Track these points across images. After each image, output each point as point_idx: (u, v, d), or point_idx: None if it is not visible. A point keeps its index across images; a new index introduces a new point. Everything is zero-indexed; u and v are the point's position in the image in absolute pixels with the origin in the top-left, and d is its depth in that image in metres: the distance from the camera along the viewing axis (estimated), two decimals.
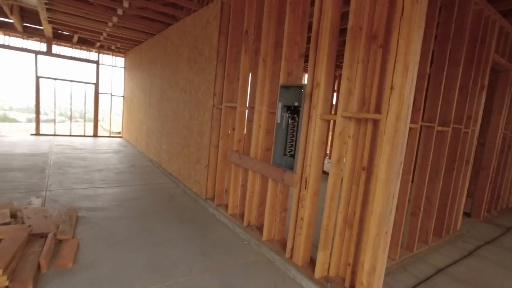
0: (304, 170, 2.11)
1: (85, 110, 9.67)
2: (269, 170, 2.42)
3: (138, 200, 3.39)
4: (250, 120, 2.93)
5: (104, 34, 5.84)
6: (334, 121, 1.92)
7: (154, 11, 4.36)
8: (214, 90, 3.37)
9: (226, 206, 3.20)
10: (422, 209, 2.56)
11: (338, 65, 6.23)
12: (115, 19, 4.53)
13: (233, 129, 3.22)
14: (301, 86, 2.18)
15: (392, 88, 1.57)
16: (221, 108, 3.30)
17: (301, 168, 2.17)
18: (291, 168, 2.26)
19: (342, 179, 1.96)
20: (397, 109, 1.57)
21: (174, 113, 4.49)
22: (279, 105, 2.37)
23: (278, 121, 2.39)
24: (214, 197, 3.38)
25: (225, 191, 3.30)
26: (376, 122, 1.76)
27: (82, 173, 4.30)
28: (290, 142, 2.31)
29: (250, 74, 2.92)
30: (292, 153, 2.29)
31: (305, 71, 6.40)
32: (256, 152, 2.69)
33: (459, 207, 3.10)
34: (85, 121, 9.41)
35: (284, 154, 2.36)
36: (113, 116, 10.06)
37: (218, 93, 3.36)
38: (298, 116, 2.23)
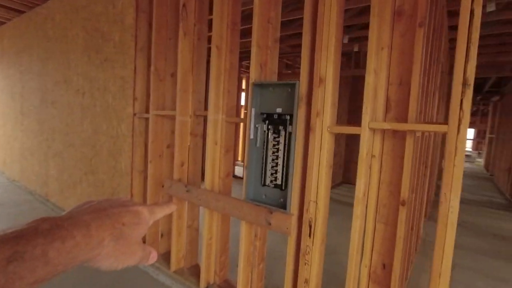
0: (306, 208, 1.42)
1: None
2: (241, 210, 1.62)
3: None
4: (194, 134, 2.06)
5: None
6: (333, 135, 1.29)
7: None
8: (134, 92, 2.33)
9: (167, 258, 2.22)
10: None
11: None
12: None
13: (168, 146, 2.26)
14: (291, 84, 1.47)
15: (467, 84, 1.02)
16: (147, 118, 2.30)
17: (298, 205, 1.46)
18: (281, 205, 1.53)
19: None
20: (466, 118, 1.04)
21: (67, 124, 3.13)
22: (252, 112, 1.61)
23: (252, 137, 1.62)
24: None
25: (161, 235, 2.31)
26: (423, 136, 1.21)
27: None
28: (273, 166, 1.58)
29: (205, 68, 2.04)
30: (279, 182, 1.56)
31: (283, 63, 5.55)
32: (212, 181, 1.84)
33: None
34: None
35: (264, 185, 1.61)
36: None
37: (141, 96, 2.34)
38: (285, 129, 1.51)
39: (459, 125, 1.04)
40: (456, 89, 1.04)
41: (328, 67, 1.32)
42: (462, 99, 1.03)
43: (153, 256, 0.39)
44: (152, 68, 2.16)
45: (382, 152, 1.33)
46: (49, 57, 3.43)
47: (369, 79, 1.23)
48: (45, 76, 3.50)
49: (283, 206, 1.51)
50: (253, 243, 1.71)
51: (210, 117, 1.81)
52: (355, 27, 3.66)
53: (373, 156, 1.32)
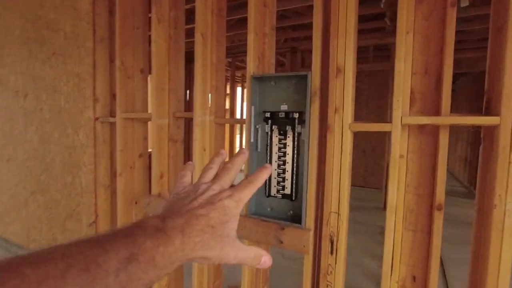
0: (326, 221, 1.20)
1: None
2: (243, 228, 1.36)
3: None
4: (174, 140, 1.74)
5: None
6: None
7: None
8: (95, 91, 1.93)
9: None
10: None
11: None
12: None
13: (140, 155, 1.91)
14: (300, 76, 1.25)
15: None
16: (112, 123, 1.92)
17: (315, 218, 1.25)
18: (291, 219, 1.30)
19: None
20: None
21: (3, 134, 2.56)
22: (252, 111, 1.36)
23: (251, 140, 1.37)
24: None
25: None
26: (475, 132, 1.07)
27: None
28: (280, 173, 1.34)
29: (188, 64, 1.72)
30: (287, 191, 1.33)
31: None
32: None
33: None
34: None
35: (269, 195, 1.37)
36: None
37: (104, 97, 1.95)
38: (294, 129, 1.29)
39: None
40: (509, 76, 0.90)
41: (348, 55, 1.13)
42: None
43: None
44: (117, 63, 1.79)
45: (408, 151, 1.18)
46: None
47: (400, 66, 1.06)
48: None
49: (296, 220, 1.28)
50: None
51: (197, 119, 1.52)
52: None
53: (400, 156, 1.15)
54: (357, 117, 1.25)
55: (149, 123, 1.73)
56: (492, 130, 0.99)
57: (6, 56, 2.46)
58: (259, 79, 1.35)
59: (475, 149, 5.28)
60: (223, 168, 0.45)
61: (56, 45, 2.08)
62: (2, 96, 2.54)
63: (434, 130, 1.14)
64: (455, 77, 6.75)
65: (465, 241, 2.93)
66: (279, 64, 6.14)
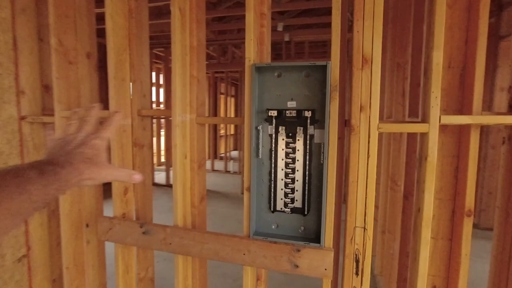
0: (350, 238, 1.03)
1: None
2: (247, 253, 1.10)
3: None
4: (140, 145, 1.38)
5: None
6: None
7: None
8: (18, 81, 1.42)
9: None
10: None
11: None
12: None
13: None
14: (316, 67, 1.03)
15: None
16: (47, 123, 1.44)
17: (335, 234, 1.06)
18: (307, 237, 1.09)
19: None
20: None
21: None
22: (253, 111, 1.10)
23: (253, 145, 1.11)
24: None
25: None
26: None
27: None
28: (288, 183, 1.12)
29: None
30: (298, 205, 1.11)
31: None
32: (184, 212, 1.25)
33: None
34: None
35: (275, 210, 1.14)
36: None
37: (32, 89, 1.45)
38: (305, 131, 1.08)
39: None
40: None
41: (376, 42, 0.95)
42: None
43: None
44: (52, 42, 1.33)
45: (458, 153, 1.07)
46: None
47: (438, 57, 0.92)
48: None
49: (311, 238, 1.08)
50: None
51: (177, 119, 1.19)
52: (289, 13, 3.44)
53: (424, 158, 1.03)
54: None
55: None
56: None
57: None
58: (260, 70, 1.09)
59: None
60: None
61: None
62: None
63: (457, 130, 1.05)
64: None
65: None
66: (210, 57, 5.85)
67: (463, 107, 1.04)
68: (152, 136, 1.45)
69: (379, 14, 0.94)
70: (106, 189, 1.36)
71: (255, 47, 1.08)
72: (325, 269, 1.02)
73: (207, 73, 6.91)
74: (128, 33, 1.31)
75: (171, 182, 1.23)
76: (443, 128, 1.05)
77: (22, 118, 1.42)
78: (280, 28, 3.36)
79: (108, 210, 1.32)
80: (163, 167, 6.70)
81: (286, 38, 3.77)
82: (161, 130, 7.05)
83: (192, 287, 1.30)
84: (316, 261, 1.03)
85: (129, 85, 1.32)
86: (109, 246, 1.41)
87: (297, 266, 1.05)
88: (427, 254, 0.99)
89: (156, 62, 6.42)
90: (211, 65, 5.78)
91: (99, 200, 1.48)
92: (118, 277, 1.33)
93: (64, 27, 1.35)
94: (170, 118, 1.28)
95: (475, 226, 3.85)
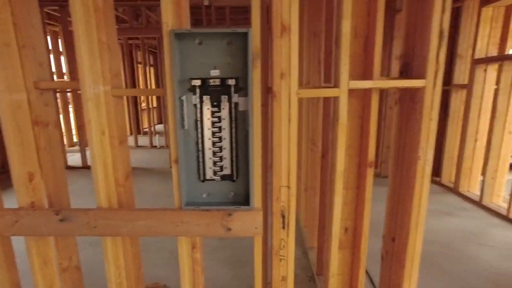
0: (276, 197, 1.12)
1: None
2: (180, 224, 1.11)
3: None
4: (43, 123, 1.19)
5: None
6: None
7: None
8: None
9: None
10: None
11: None
12: None
13: None
14: (238, 34, 1.02)
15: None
16: None
17: (263, 196, 1.14)
18: (238, 201, 1.15)
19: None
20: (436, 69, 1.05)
21: None
22: (175, 80, 1.04)
23: (177, 117, 1.07)
24: None
25: None
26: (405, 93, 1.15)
27: None
28: (217, 152, 1.14)
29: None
30: (227, 171, 1.15)
31: None
32: (107, 191, 1.16)
33: None
34: None
35: (205, 179, 1.15)
36: None
37: None
38: (230, 99, 1.09)
39: (435, 78, 1.03)
40: (433, 42, 1.00)
41: (293, 9, 0.99)
42: (439, 51, 1.01)
43: None
44: None
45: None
46: None
47: (346, 26, 1.01)
48: None
49: (242, 201, 1.14)
50: (192, 257, 1.26)
51: (87, 91, 1.06)
52: None
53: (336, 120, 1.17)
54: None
55: None
56: (413, 92, 1.11)
57: None
58: (180, 37, 1.03)
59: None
60: None
61: None
62: None
63: (362, 93, 1.20)
64: None
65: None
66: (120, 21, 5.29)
67: (366, 73, 1.18)
68: (58, 113, 1.26)
69: None
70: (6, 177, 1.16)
71: (172, 10, 1.01)
72: (256, 228, 1.11)
73: (119, 39, 6.15)
74: None
75: (90, 163, 1.12)
76: (351, 92, 1.19)
77: None
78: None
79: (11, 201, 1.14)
80: (77, 147, 5.96)
81: (206, 2, 3.58)
82: (69, 106, 6.15)
83: (125, 267, 1.26)
84: (247, 222, 1.10)
85: (17, 52, 1.09)
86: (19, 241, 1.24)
87: (230, 230, 1.11)
88: (340, 201, 1.15)
89: (50, 24, 5.40)
90: (122, 30, 5.14)
91: (19, 184, 1.26)
92: (35, 271, 1.20)
93: None
94: (79, 92, 1.13)
95: (377, 175, 4.58)
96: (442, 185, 4.02)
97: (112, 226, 1.11)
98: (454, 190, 3.78)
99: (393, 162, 1.28)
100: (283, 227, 1.14)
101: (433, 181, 4.05)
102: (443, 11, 0.98)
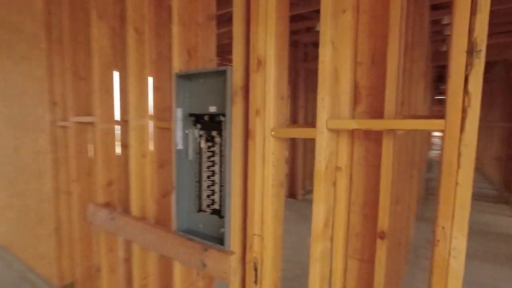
0: (249, 245, 1.00)
1: None
2: (170, 247, 1.19)
3: None
4: (124, 145, 1.62)
5: None
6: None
7: None
8: (52, 94, 1.87)
9: None
10: None
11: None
12: None
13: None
14: (221, 72, 1.06)
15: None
16: (68, 127, 1.84)
17: (240, 239, 1.05)
18: (218, 239, 1.11)
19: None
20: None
21: None
22: (177, 114, 1.18)
23: (179, 147, 1.20)
24: (77, 282, 1.89)
25: (98, 270, 1.87)
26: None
27: None
28: (210, 186, 1.16)
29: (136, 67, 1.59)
30: (217, 206, 1.14)
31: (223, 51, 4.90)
32: (141, 205, 1.42)
33: None
34: None
35: (200, 210, 1.20)
36: None
37: (61, 100, 1.88)
38: (221, 134, 1.10)
39: (463, 118, 0.64)
40: (457, 60, 0.64)
41: (269, 42, 0.91)
42: (467, 75, 0.64)
43: None
44: (67, 62, 1.71)
45: (352, 162, 0.94)
46: None
47: (325, 56, 0.82)
48: None
49: (220, 240, 1.10)
50: (194, 284, 1.29)
51: (132, 123, 1.38)
52: None
53: (337, 168, 0.92)
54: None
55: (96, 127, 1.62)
56: None
57: None
58: (185, 78, 1.17)
59: (508, 147, 4.65)
60: None
61: (20, 47, 2.04)
62: None
63: (380, 136, 0.90)
64: (487, 66, 6.01)
65: (492, 257, 2.50)
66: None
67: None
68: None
69: (271, 14, 0.90)
70: None
71: (182, 57, 1.17)
72: (225, 272, 1.02)
73: None
74: (110, 51, 1.57)
75: None
76: (367, 134, 0.91)
77: (53, 122, 1.87)
78: None
79: None
80: None
81: None
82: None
83: (153, 272, 1.46)
84: (218, 262, 1.04)
85: (113, 95, 1.57)
86: None
87: (205, 266, 1.08)
88: (315, 274, 0.88)
89: None
90: None
91: (98, 187, 1.80)
92: (101, 254, 1.60)
93: (77, 49, 1.72)
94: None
95: None
96: None
97: (132, 233, 1.34)
98: None
99: None
100: (255, 282, 0.99)
101: None
102: (473, 12, 0.62)
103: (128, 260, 1.68)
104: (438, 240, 0.68)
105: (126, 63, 1.36)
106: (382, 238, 0.85)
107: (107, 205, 1.60)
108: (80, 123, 1.74)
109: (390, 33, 0.80)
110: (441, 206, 0.68)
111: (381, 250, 0.85)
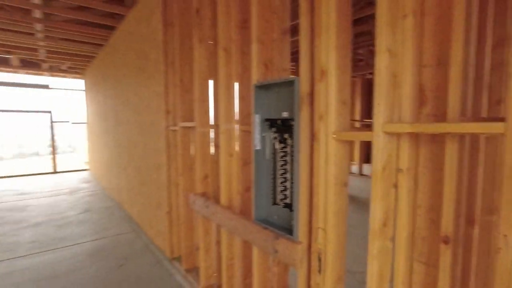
0: (314, 237, 1.11)
1: (53, 142, 8.56)
2: (249, 233, 1.40)
3: (73, 275, 2.31)
4: (216, 146, 1.93)
5: (42, 51, 4.79)
6: (364, 143, 0.94)
7: (84, 11, 3.36)
8: (167, 105, 2.37)
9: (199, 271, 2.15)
10: None
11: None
12: (38, 26, 3.51)
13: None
14: (290, 82, 1.20)
15: None
16: (177, 131, 2.30)
17: (306, 231, 1.17)
18: (289, 229, 1.26)
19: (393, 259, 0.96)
20: None
21: (128, 139, 3.45)
22: (256, 119, 1.38)
23: (258, 147, 1.39)
24: (182, 256, 2.33)
25: (197, 249, 2.26)
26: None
27: (7, 233, 3.19)
28: (283, 182, 1.32)
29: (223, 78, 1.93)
30: (288, 200, 1.29)
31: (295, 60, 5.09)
32: (229, 197, 1.68)
33: None
34: (54, 154, 8.24)
35: (275, 203, 1.36)
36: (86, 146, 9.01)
37: (173, 109, 2.36)
38: (291, 136, 1.24)
39: None
40: None
41: (330, 54, 1.01)
42: None
43: None
44: (177, 79, 2.15)
45: (417, 164, 0.94)
46: (117, 80, 3.87)
47: (381, 63, 0.87)
48: (116, 98, 3.97)
49: (290, 230, 1.23)
50: (271, 270, 1.47)
51: (222, 127, 1.65)
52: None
53: (399, 170, 0.94)
54: None
55: (194, 130, 1.98)
56: None
57: (129, 82, 3.30)
58: (263, 88, 1.36)
59: None
60: None
61: (149, 69, 2.66)
62: (127, 112, 3.42)
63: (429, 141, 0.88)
64: None
65: None
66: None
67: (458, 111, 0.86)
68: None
69: (332, 29, 1.00)
70: None
71: (259, 69, 1.37)
72: (294, 259, 1.16)
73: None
74: (207, 68, 1.90)
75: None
76: (433, 136, 0.91)
77: (167, 127, 2.35)
78: None
79: None
80: None
81: None
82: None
83: (238, 254, 1.71)
84: (288, 250, 1.19)
85: (208, 104, 1.90)
86: None
87: (276, 251, 1.24)
88: (373, 272, 0.91)
89: None
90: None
91: (197, 180, 2.18)
92: (199, 236, 1.96)
93: (184, 68, 2.14)
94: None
95: None
96: None
97: (220, 220, 1.61)
98: None
99: None
100: (319, 271, 1.09)
101: None
102: None
103: (218, 243, 1.99)
104: (500, 248, 0.65)
105: (217, 76, 1.65)
106: (446, 243, 0.84)
107: (203, 195, 1.94)
108: (185, 127, 2.16)
109: (453, 34, 0.79)
110: (503, 213, 0.65)
111: (445, 255, 0.84)
